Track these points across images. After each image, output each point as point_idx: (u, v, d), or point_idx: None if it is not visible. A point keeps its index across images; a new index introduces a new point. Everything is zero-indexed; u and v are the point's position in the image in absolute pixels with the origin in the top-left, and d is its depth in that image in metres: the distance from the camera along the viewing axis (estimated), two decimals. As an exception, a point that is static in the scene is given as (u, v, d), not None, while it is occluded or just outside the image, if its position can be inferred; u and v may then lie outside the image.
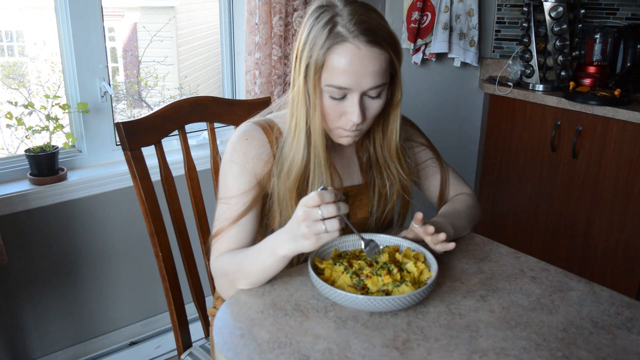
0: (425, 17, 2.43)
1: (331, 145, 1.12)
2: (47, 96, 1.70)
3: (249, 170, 1.06)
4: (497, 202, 2.49)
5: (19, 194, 1.64)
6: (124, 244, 1.91)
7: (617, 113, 1.99)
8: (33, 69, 2.13)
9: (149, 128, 1.26)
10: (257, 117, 1.14)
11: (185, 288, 1.38)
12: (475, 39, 2.45)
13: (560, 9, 2.16)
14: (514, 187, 2.41)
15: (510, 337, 0.84)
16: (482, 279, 1.00)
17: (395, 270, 0.93)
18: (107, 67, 1.82)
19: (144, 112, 1.85)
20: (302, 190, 1.05)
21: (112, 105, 1.87)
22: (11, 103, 1.70)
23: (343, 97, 0.98)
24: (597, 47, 2.27)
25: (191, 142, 2.03)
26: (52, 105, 1.70)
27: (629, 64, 2.28)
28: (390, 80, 1.02)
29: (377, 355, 0.79)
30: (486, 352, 0.80)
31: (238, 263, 0.98)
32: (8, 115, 1.66)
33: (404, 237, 1.05)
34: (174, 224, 1.32)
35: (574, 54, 2.27)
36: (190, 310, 1.67)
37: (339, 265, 0.95)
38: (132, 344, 1.99)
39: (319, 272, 0.95)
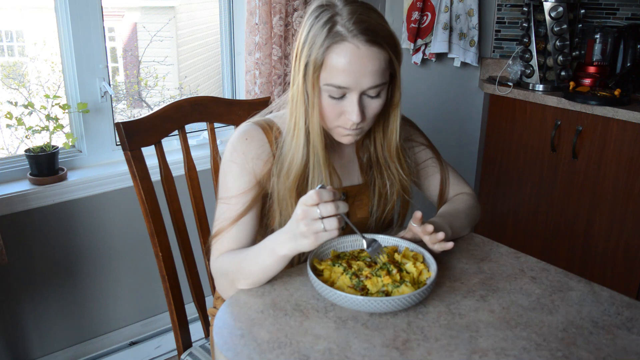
0: (425, 17, 2.43)
1: (331, 145, 1.12)
2: (47, 96, 1.70)
3: (248, 170, 1.06)
4: (497, 202, 2.49)
5: (19, 194, 1.64)
6: (124, 244, 1.91)
7: (617, 113, 1.99)
8: (33, 69, 2.13)
9: (149, 128, 1.26)
10: (257, 117, 1.14)
11: (185, 288, 1.38)
12: (475, 39, 2.45)
13: (560, 9, 2.16)
14: (514, 187, 2.41)
15: (510, 337, 0.84)
16: (482, 279, 1.00)
17: (394, 271, 0.93)
18: (107, 67, 1.82)
19: (144, 112, 1.85)
20: (301, 190, 1.05)
21: (112, 105, 1.87)
22: (11, 103, 1.70)
23: (342, 97, 0.98)
24: (597, 47, 2.27)
25: (191, 142, 2.03)
26: (52, 105, 1.70)
27: (629, 64, 2.28)
28: (390, 81, 1.02)
29: (377, 355, 0.79)
30: (486, 352, 0.80)
31: (238, 263, 0.98)
32: (8, 115, 1.66)
33: (403, 237, 1.05)
34: (174, 224, 1.32)
35: (574, 54, 2.28)
36: (190, 310, 1.67)
37: (338, 266, 0.95)
38: (132, 344, 1.99)
39: (318, 273, 0.95)
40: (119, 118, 2.17)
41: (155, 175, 1.28)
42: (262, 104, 1.43)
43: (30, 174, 1.69)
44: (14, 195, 1.63)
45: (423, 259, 0.98)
